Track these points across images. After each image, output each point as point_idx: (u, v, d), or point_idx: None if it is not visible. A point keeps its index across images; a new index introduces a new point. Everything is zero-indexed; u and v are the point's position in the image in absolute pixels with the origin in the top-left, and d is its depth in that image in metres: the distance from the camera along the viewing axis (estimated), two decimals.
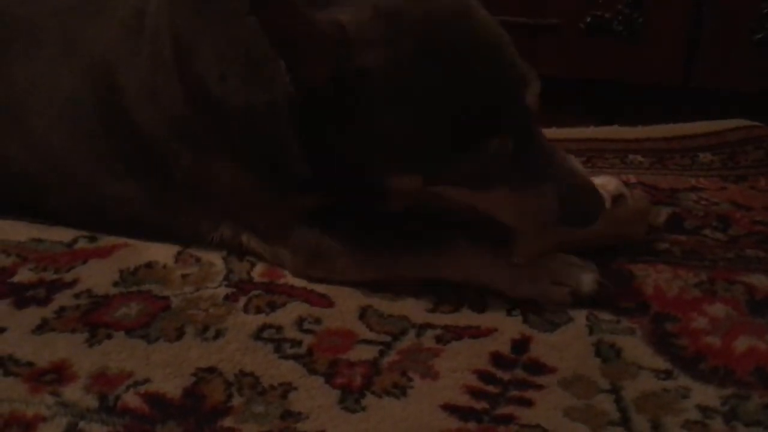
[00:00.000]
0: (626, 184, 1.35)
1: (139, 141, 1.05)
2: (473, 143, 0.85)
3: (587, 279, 0.95)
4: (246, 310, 0.96)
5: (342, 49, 0.83)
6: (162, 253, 1.08)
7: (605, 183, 1.04)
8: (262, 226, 1.05)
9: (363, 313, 0.95)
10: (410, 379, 0.83)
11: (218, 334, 0.90)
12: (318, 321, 0.94)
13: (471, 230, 0.99)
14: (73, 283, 1.01)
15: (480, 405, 0.79)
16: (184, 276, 1.03)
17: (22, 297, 0.98)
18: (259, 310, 0.96)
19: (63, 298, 0.97)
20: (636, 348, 0.88)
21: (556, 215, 0.88)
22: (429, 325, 0.93)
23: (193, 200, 1.06)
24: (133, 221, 1.10)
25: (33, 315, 0.94)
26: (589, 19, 1.77)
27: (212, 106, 0.98)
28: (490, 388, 0.81)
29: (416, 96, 0.84)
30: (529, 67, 0.89)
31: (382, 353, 0.87)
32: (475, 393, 0.81)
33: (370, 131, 0.87)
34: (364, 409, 0.79)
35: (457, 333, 0.91)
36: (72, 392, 0.80)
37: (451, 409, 0.78)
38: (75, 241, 1.12)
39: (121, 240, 1.11)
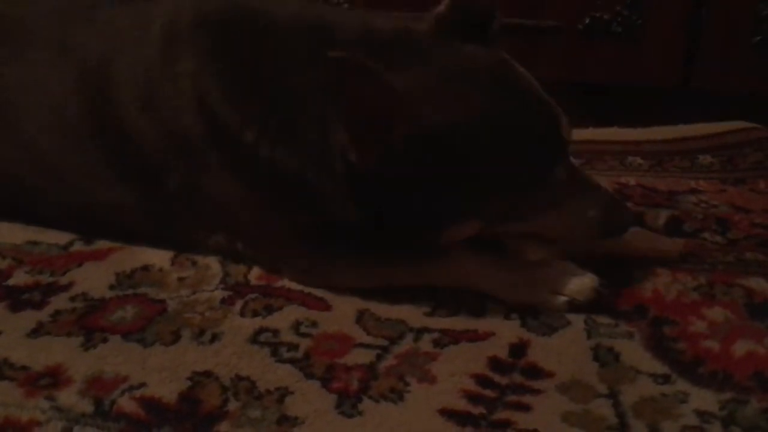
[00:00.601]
0: (625, 186, 1.36)
1: (130, 150, 1.03)
2: (542, 177, 0.92)
3: (585, 288, 0.95)
4: (242, 313, 0.95)
5: (421, 112, 0.86)
6: (158, 256, 1.08)
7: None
8: (260, 241, 1.05)
9: (360, 317, 0.95)
10: (407, 384, 0.82)
11: (214, 338, 0.90)
12: (315, 324, 0.93)
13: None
14: (68, 286, 1.01)
15: (477, 410, 0.78)
16: (180, 279, 1.03)
17: (17, 300, 0.97)
18: (255, 314, 0.95)
19: (58, 302, 0.97)
20: (634, 352, 0.88)
21: (597, 229, 0.97)
22: (426, 329, 0.92)
23: (184, 211, 1.05)
24: (126, 228, 1.10)
25: (28, 318, 0.93)
26: (587, 21, 1.76)
27: (230, 137, 0.97)
28: (488, 393, 0.81)
29: (492, 148, 0.89)
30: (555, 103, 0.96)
31: (379, 357, 0.87)
32: (472, 397, 0.80)
33: (441, 188, 0.90)
34: (361, 413, 0.78)
35: (455, 337, 0.91)
36: (67, 397, 0.80)
37: (448, 413, 0.78)
38: (71, 243, 1.12)
39: (117, 243, 1.11)
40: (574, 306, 0.94)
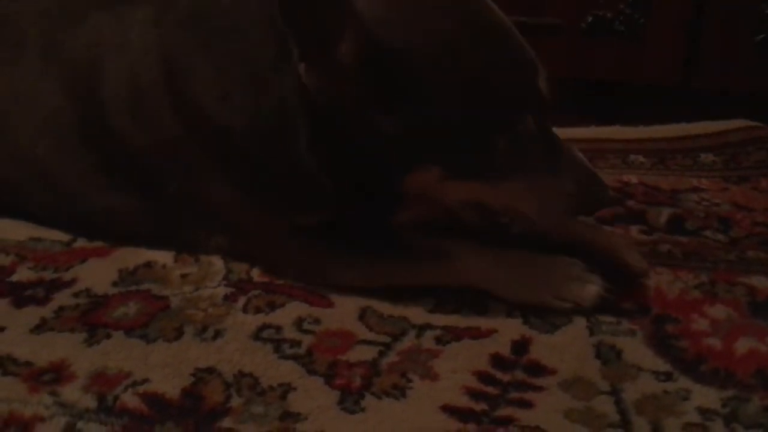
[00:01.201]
0: (627, 184, 1.36)
1: (124, 156, 1.03)
2: (509, 125, 0.85)
3: (589, 294, 0.94)
4: (245, 310, 0.95)
5: (375, 29, 0.81)
6: (161, 252, 1.08)
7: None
8: (260, 241, 1.05)
9: (363, 314, 0.95)
10: (410, 381, 0.83)
11: (217, 335, 0.90)
12: (317, 321, 0.93)
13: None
14: (71, 282, 1.01)
15: (479, 406, 0.79)
16: (183, 276, 1.03)
17: (20, 296, 0.98)
18: (258, 310, 0.95)
19: (62, 298, 0.97)
20: (636, 350, 0.88)
21: (571, 204, 0.91)
22: (429, 326, 0.92)
23: (184, 213, 1.05)
24: (124, 231, 1.09)
25: (32, 314, 0.93)
26: (590, 19, 1.76)
27: (210, 127, 0.97)
28: (490, 390, 0.81)
29: (454, 75, 0.83)
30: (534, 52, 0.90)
31: (381, 354, 0.87)
32: (474, 394, 0.80)
33: (402, 116, 0.84)
34: (363, 410, 0.78)
35: (457, 334, 0.91)
36: (71, 392, 0.80)
37: (450, 410, 0.78)
38: (74, 240, 1.12)
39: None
40: (577, 310, 0.94)
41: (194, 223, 1.06)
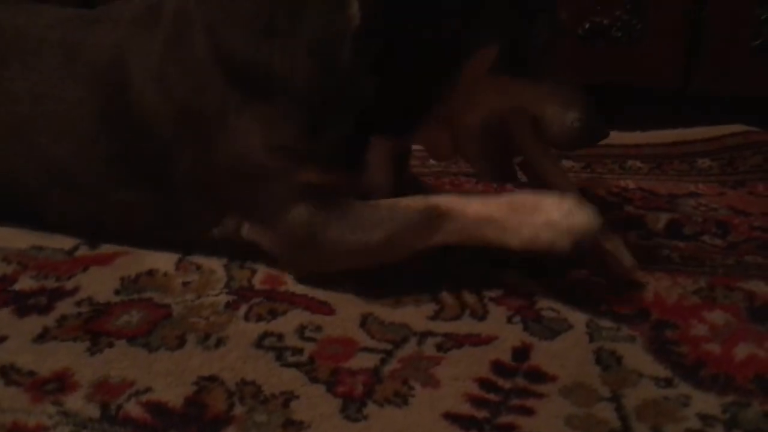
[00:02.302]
0: (625, 189, 1.37)
1: (143, 135, 1.04)
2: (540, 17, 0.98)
3: (594, 219, 0.92)
4: (247, 317, 0.96)
5: None
6: (163, 260, 1.08)
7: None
8: (261, 205, 1.03)
9: (364, 321, 0.95)
10: (411, 388, 0.83)
11: (219, 342, 0.91)
12: (319, 329, 0.94)
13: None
14: (74, 290, 1.01)
15: (481, 414, 0.79)
16: (185, 283, 1.03)
17: (23, 305, 0.98)
18: (260, 318, 0.96)
19: (64, 306, 0.98)
20: (636, 355, 0.88)
21: (576, 127, 1.01)
22: (430, 333, 0.93)
23: (195, 192, 1.05)
24: (135, 224, 1.11)
25: (34, 323, 0.94)
26: (588, 25, 1.77)
27: (260, 70, 0.98)
28: (491, 397, 0.82)
29: None
30: None
31: (383, 361, 0.88)
32: (476, 401, 0.81)
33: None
34: (365, 418, 0.79)
35: (458, 341, 0.91)
36: (74, 402, 0.80)
37: (452, 417, 0.79)
38: (76, 248, 1.13)
39: (122, 248, 1.12)
40: (580, 249, 0.92)
41: (202, 207, 1.06)
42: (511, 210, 0.95)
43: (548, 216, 0.92)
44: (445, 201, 0.98)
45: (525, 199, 0.96)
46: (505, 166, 1.11)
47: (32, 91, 1.13)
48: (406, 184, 1.09)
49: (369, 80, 0.95)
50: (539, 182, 1.07)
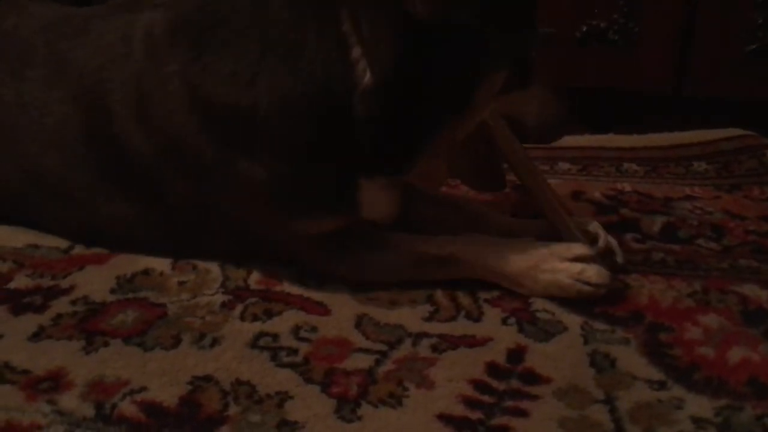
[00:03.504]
0: (621, 192, 1.37)
1: (131, 163, 1.03)
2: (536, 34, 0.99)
3: (605, 275, 0.98)
4: (242, 317, 0.96)
5: None
6: (158, 259, 1.08)
7: (584, 223, 1.08)
8: (262, 248, 1.07)
9: (359, 322, 0.95)
10: (406, 389, 0.83)
11: (214, 342, 0.91)
12: (314, 329, 0.94)
13: None
14: (69, 289, 1.01)
15: (475, 415, 0.79)
16: (180, 283, 1.03)
17: (18, 303, 0.98)
18: (255, 318, 0.96)
19: (60, 305, 0.98)
20: (630, 358, 0.88)
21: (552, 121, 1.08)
22: (425, 334, 0.93)
23: (192, 217, 1.05)
24: (129, 240, 1.10)
25: (29, 322, 0.94)
26: (584, 29, 1.78)
27: (233, 116, 0.95)
28: (486, 398, 0.82)
29: None
30: None
31: (378, 362, 0.88)
32: (470, 403, 0.81)
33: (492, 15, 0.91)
34: (360, 418, 0.79)
35: (453, 342, 0.91)
36: (68, 400, 0.80)
37: (446, 419, 0.79)
38: (72, 247, 1.13)
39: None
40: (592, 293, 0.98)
41: (203, 228, 1.06)
42: (526, 266, 1.00)
43: (561, 279, 0.98)
44: (463, 251, 1.01)
45: (540, 255, 0.99)
46: (494, 172, 1.14)
47: (20, 99, 1.11)
48: (405, 193, 1.09)
49: (375, 129, 0.94)
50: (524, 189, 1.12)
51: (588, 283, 0.98)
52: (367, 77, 0.91)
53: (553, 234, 1.04)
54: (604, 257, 1.03)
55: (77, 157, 1.08)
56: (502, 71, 0.96)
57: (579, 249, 0.99)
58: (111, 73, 1.04)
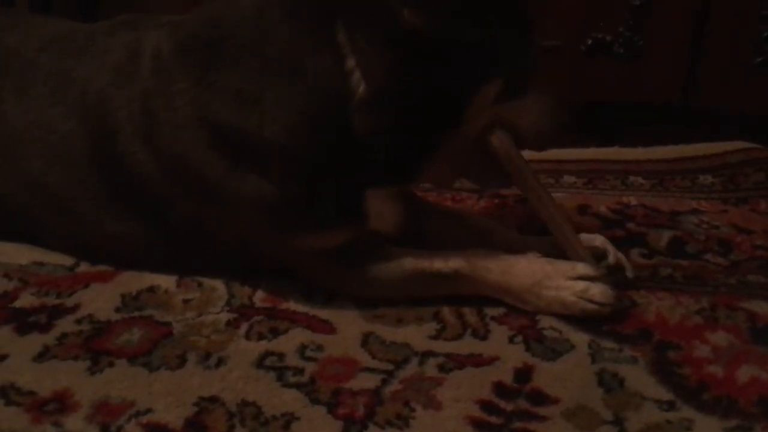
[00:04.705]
0: (627, 206, 1.37)
1: (135, 181, 1.03)
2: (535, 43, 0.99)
3: (611, 294, 0.98)
4: (248, 336, 0.96)
5: None
6: (164, 277, 1.08)
7: (592, 239, 1.07)
8: (268, 264, 1.07)
9: (365, 340, 0.95)
10: (413, 410, 0.83)
11: (220, 362, 0.90)
12: (320, 348, 0.93)
13: None
14: (74, 308, 1.01)
15: None
16: (185, 301, 1.03)
17: (23, 323, 0.98)
18: (261, 337, 0.95)
19: (65, 324, 0.97)
20: (639, 378, 0.88)
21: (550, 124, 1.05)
22: (431, 353, 0.92)
23: (196, 236, 1.05)
24: (134, 258, 1.10)
25: (35, 342, 0.94)
26: (590, 41, 1.78)
27: (238, 137, 0.96)
28: (493, 419, 0.81)
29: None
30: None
31: (384, 382, 0.87)
32: (478, 424, 0.80)
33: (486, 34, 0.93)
34: None
35: (460, 361, 0.91)
36: (74, 422, 0.80)
37: None
38: (77, 264, 1.12)
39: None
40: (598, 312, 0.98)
41: (208, 247, 1.06)
42: (530, 283, 0.99)
43: (565, 296, 0.98)
44: (467, 266, 1.01)
45: (545, 272, 0.99)
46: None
47: (24, 116, 1.11)
48: (410, 207, 1.09)
49: (372, 139, 0.95)
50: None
51: (592, 301, 0.97)
52: (362, 88, 0.92)
53: (559, 250, 1.04)
54: (613, 273, 1.03)
55: (81, 174, 1.08)
56: (495, 81, 0.96)
57: (584, 269, 0.99)
58: (117, 91, 1.04)
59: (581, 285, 0.98)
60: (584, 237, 1.06)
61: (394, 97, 0.93)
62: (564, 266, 1.00)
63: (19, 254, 1.14)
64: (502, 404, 0.83)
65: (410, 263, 1.02)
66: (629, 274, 1.06)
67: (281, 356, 0.92)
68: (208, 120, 0.97)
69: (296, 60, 0.93)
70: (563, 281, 0.98)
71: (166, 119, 1.00)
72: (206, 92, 0.97)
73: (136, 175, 1.03)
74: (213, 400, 0.84)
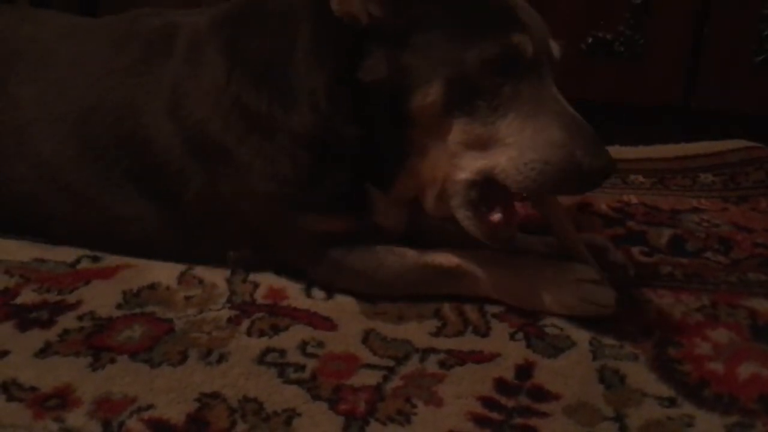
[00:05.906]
0: (628, 204, 1.37)
1: (152, 157, 1.05)
2: (496, 36, 0.92)
3: (612, 296, 0.97)
4: (249, 333, 0.96)
5: None
6: (165, 274, 1.08)
7: (592, 238, 1.08)
8: (271, 247, 1.07)
9: (366, 337, 0.95)
10: (414, 406, 0.83)
11: (221, 358, 0.90)
12: (321, 345, 0.93)
13: None
14: (76, 304, 1.01)
15: None
16: (187, 298, 1.03)
17: (25, 319, 0.98)
18: (262, 333, 0.96)
19: (66, 321, 0.97)
20: (640, 374, 0.88)
21: (572, 160, 0.88)
22: (432, 350, 0.93)
23: (208, 218, 1.06)
24: (143, 242, 1.10)
25: (36, 338, 0.94)
26: (590, 40, 1.78)
27: (264, 126, 1.00)
28: (495, 416, 0.81)
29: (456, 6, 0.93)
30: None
31: (385, 378, 0.87)
32: (479, 420, 0.81)
33: (415, 45, 0.92)
34: None
35: (461, 358, 0.91)
36: (76, 418, 0.80)
37: None
38: (78, 261, 1.12)
39: (124, 260, 1.11)
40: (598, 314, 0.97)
41: (217, 229, 1.07)
42: (531, 284, 0.99)
43: (566, 298, 0.98)
44: (469, 264, 1.01)
45: (546, 273, 0.99)
46: None
47: (40, 98, 1.13)
48: (417, 209, 1.09)
49: (349, 129, 0.97)
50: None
51: (593, 303, 0.97)
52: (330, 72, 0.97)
53: (562, 251, 1.04)
54: (615, 271, 1.03)
55: (96, 152, 1.09)
56: (435, 83, 0.92)
57: (585, 270, 0.99)
58: (141, 74, 1.08)
59: (582, 287, 0.97)
60: (585, 236, 1.06)
61: (343, 102, 0.97)
62: (566, 267, 1.00)
63: (21, 251, 1.14)
64: (503, 400, 0.84)
65: (411, 257, 1.02)
66: (631, 271, 1.06)
67: (282, 353, 0.92)
68: (230, 90, 1.01)
69: (318, 49, 0.98)
70: (564, 282, 0.98)
71: (194, 87, 1.03)
72: (232, 63, 1.02)
73: (157, 149, 1.05)
74: (214, 396, 0.84)
